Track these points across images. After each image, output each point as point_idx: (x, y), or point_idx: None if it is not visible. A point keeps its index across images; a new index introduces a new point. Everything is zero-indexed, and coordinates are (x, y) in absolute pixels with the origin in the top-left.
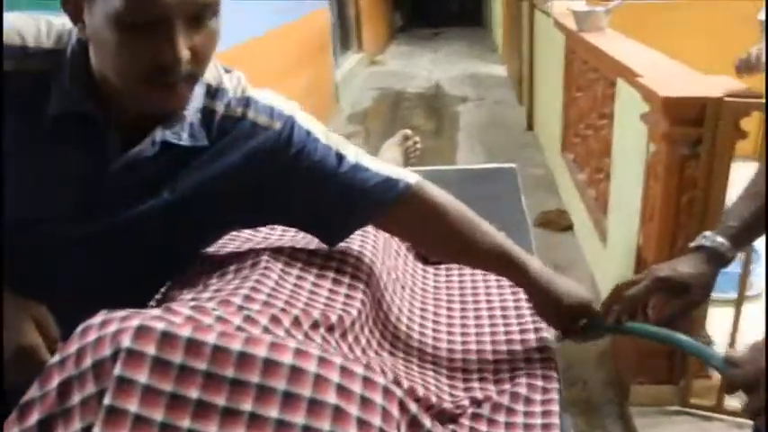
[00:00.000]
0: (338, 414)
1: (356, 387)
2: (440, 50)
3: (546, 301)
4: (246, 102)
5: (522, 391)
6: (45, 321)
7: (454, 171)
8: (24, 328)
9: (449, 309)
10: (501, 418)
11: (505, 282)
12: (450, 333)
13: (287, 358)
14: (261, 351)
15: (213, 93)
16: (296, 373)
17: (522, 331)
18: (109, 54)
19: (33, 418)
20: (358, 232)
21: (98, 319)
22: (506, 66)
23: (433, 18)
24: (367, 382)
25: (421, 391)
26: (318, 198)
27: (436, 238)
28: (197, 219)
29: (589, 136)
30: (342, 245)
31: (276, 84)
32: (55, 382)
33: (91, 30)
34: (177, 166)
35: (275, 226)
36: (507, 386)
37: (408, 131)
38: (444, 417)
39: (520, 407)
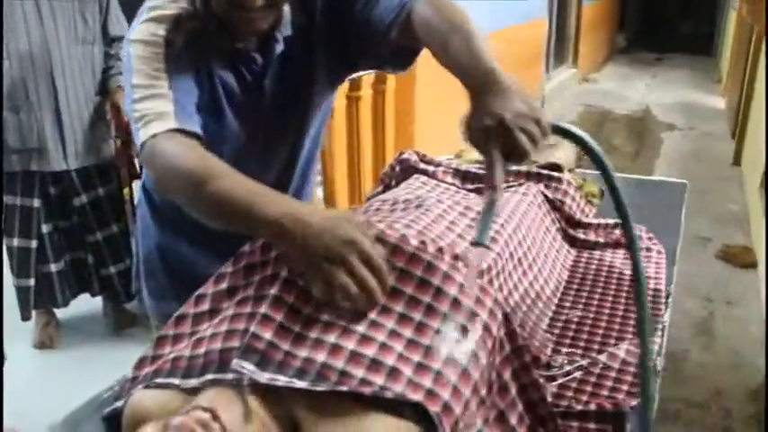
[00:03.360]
0: (455, 303)
1: (475, 290)
2: (658, 76)
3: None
4: None
5: (621, 354)
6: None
7: (622, 178)
8: (346, 226)
9: (579, 285)
10: (595, 369)
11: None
12: (573, 304)
13: (425, 257)
14: (409, 248)
15: None
16: (430, 268)
17: (634, 333)
18: None
19: (241, 264)
20: (511, 205)
21: None
22: (726, 98)
23: (659, 43)
24: (483, 290)
25: (526, 334)
26: (354, 19)
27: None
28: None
29: None
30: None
31: None
32: (261, 241)
33: None
34: (295, 48)
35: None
36: (610, 349)
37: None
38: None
39: (615, 365)
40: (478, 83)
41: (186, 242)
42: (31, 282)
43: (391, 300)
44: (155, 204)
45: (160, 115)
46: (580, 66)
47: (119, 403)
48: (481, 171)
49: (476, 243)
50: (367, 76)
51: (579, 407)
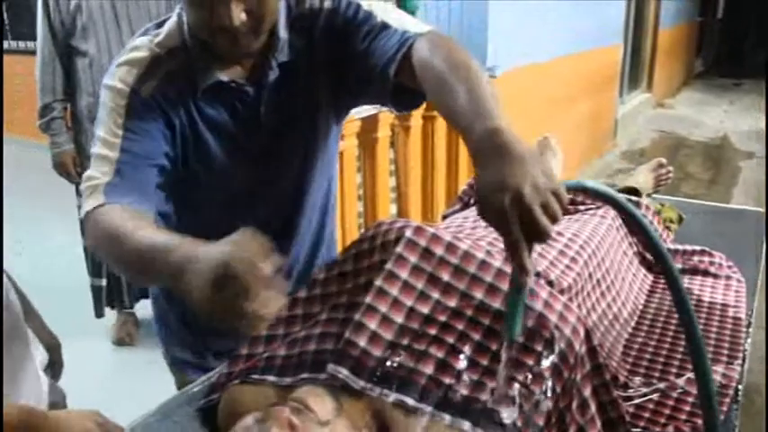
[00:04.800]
0: (540, 318)
1: (558, 305)
2: (737, 102)
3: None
4: None
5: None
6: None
7: (699, 205)
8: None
9: (656, 310)
10: (673, 393)
11: (717, 306)
12: (650, 328)
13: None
14: (496, 263)
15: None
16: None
17: (713, 360)
18: (189, 18)
19: (334, 272)
20: (590, 227)
21: (388, 219)
22: None
23: (739, 67)
24: (566, 307)
25: (605, 354)
26: (355, 50)
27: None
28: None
29: None
30: (574, 231)
31: (556, 108)
32: (353, 251)
33: None
34: (293, 73)
35: None
36: (688, 374)
37: (663, 160)
38: (616, 383)
39: (694, 390)
40: (484, 144)
41: None
42: (103, 282)
43: (478, 314)
44: None
45: (94, 189)
46: (655, 90)
47: (214, 396)
48: None
49: (510, 341)
50: None
51: (657, 429)
